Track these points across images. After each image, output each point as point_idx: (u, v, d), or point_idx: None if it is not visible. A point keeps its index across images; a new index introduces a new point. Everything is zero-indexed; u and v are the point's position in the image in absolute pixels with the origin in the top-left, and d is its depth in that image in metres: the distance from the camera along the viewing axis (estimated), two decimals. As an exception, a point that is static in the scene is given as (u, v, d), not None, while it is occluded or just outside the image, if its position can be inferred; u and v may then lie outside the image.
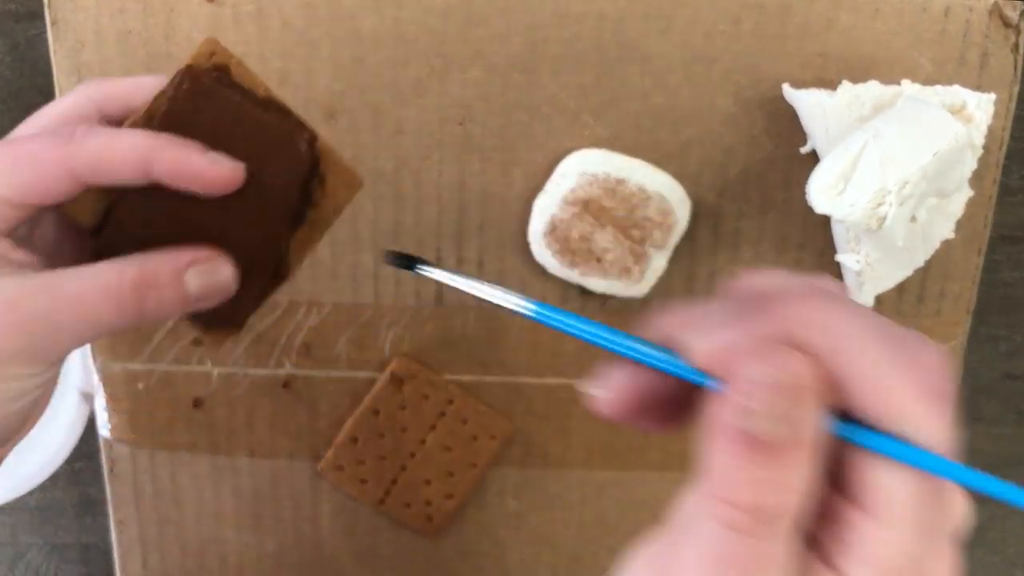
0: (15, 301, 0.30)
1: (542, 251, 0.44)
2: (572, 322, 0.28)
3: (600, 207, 0.42)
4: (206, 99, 0.31)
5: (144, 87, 0.32)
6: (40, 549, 0.56)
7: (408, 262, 0.30)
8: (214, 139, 0.31)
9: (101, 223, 0.32)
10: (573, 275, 0.44)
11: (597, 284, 0.44)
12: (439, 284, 0.45)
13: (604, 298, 0.46)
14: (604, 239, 0.43)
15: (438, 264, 0.30)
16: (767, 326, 0.22)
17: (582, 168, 0.42)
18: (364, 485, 0.48)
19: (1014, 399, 0.55)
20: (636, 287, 0.44)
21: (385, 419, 0.47)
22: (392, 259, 0.31)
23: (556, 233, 0.43)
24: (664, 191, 0.43)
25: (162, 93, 0.31)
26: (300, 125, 0.32)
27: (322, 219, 0.34)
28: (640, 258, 0.43)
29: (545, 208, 0.43)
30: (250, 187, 0.31)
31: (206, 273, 0.32)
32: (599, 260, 0.43)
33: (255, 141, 0.31)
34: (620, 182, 0.42)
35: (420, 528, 0.49)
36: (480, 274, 0.45)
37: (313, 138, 0.32)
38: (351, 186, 0.34)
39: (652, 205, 0.42)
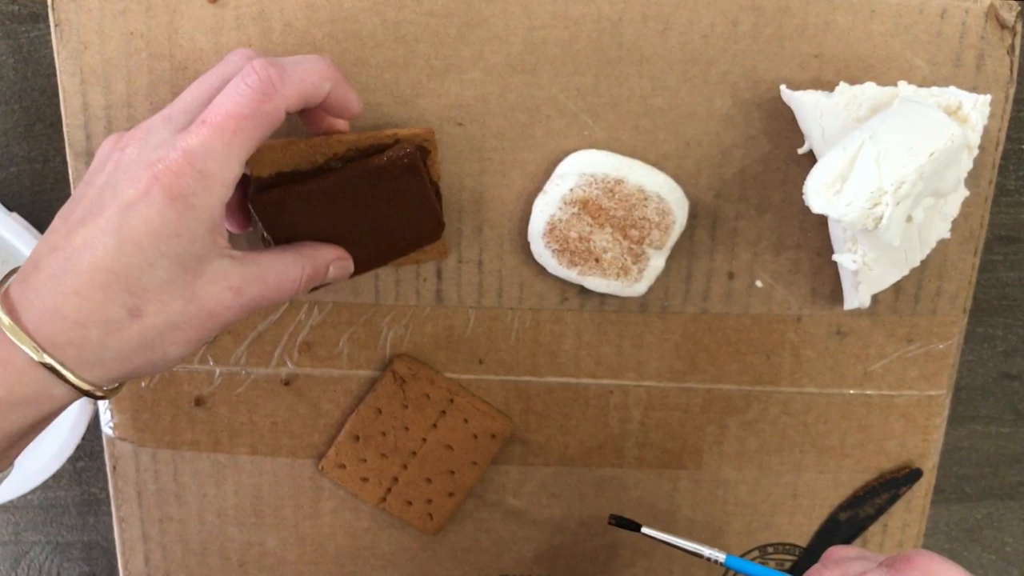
0: (241, 288, 0.36)
1: (542, 251, 0.44)
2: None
3: (599, 207, 0.43)
4: (411, 173, 0.40)
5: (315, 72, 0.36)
6: (43, 547, 0.56)
7: (632, 524, 0.43)
8: (395, 195, 0.40)
9: (269, 183, 0.39)
10: (572, 275, 0.44)
11: (596, 283, 0.44)
12: (439, 284, 0.46)
13: (603, 298, 0.46)
14: (603, 239, 0.43)
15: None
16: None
17: (581, 168, 0.43)
18: (365, 483, 0.48)
19: (1011, 398, 0.55)
20: (634, 287, 0.44)
21: (387, 418, 0.47)
22: (617, 522, 0.43)
23: (555, 233, 0.43)
24: (663, 191, 0.43)
25: (380, 152, 0.40)
26: (440, 215, 0.42)
27: (401, 260, 0.44)
28: (638, 258, 0.43)
29: (544, 208, 0.43)
30: (388, 232, 0.41)
31: (341, 268, 0.41)
32: (598, 260, 0.43)
33: (414, 210, 0.41)
34: (619, 182, 0.43)
35: (421, 526, 0.49)
36: (479, 274, 0.46)
37: (442, 226, 0.43)
38: (439, 254, 0.44)
39: (651, 205, 0.42)
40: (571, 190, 0.43)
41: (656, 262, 0.44)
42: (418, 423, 0.48)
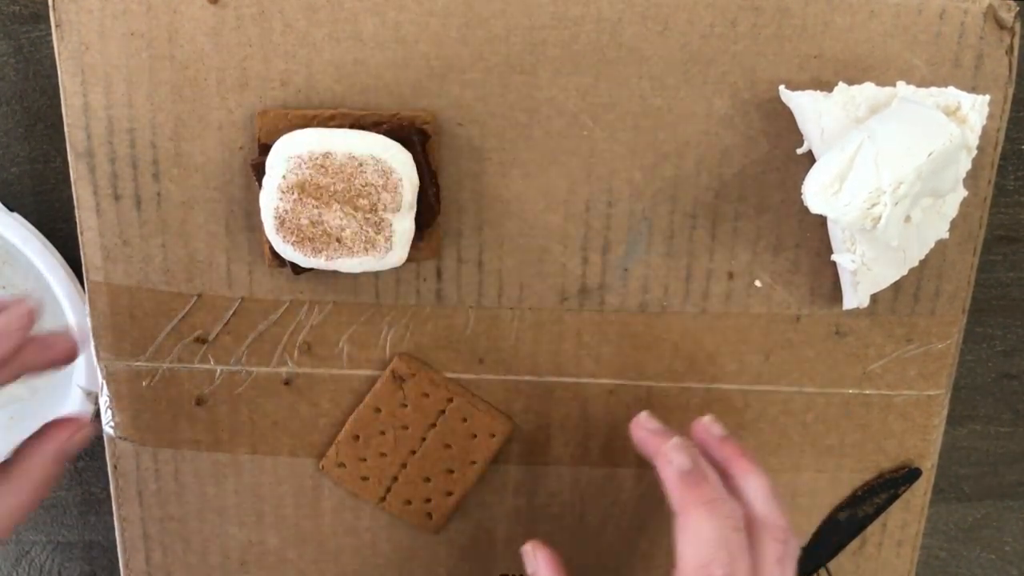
0: None
1: (282, 247, 0.42)
2: None
3: (317, 186, 0.41)
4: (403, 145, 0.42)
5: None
6: (44, 547, 0.56)
7: None
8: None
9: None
10: (321, 262, 0.42)
11: (348, 264, 0.42)
12: (439, 283, 0.46)
13: (602, 298, 0.46)
14: (334, 218, 0.41)
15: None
16: None
17: (286, 152, 0.41)
18: (365, 482, 0.48)
19: (1010, 398, 0.55)
20: (389, 257, 0.42)
21: (386, 416, 0.47)
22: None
23: (287, 226, 0.41)
24: (375, 152, 0.41)
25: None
26: (435, 201, 0.43)
27: None
28: (379, 226, 0.41)
29: (267, 204, 0.41)
30: None
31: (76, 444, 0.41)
32: (339, 240, 0.42)
33: None
34: (327, 155, 0.41)
35: (420, 525, 0.49)
36: (479, 274, 0.46)
37: (436, 212, 0.44)
38: (431, 253, 0.45)
39: (368, 169, 0.41)
40: (284, 177, 0.41)
41: (401, 225, 0.42)
42: (417, 422, 0.48)
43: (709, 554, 0.38)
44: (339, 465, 0.48)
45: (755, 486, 0.41)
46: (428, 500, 0.49)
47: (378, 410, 0.48)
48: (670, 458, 0.40)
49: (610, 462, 0.49)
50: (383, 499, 0.49)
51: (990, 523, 0.58)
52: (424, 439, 0.48)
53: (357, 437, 0.48)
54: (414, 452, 0.48)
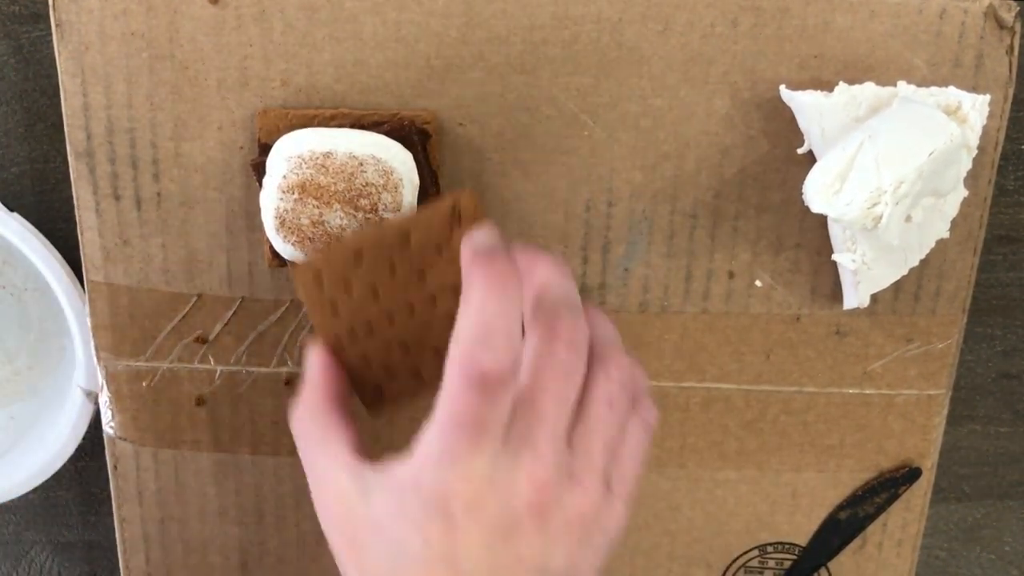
0: None
1: (283, 247, 0.42)
2: None
3: (318, 186, 0.40)
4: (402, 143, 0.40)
5: None
6: (43, 547, 0.56)
7: None
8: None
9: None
10: None
11: None
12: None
13: (602, 297, 0.46)
14: (335, 217, 0.41)
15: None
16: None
17: (287, 152, 0.41)
18: (331, 315, 0.38)
19: (1010, 398, 0.55)
20: None
21: (416, 249, 0.37)
22: None
23: (287, 226, 0.41)
24: (376, 152, 0.40)
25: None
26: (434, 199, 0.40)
27: None
28: None
29: (267, 204, 0.41)
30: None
31: None
32: (340, 241, 0.41)
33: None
34: (327, 155, 0.40)
35: (361, 395, 0.39)
36: (480, 273, 0.46)
37: None
38: None
39: (368, 169, 0.40)
40: (284, 177, 0.41)
41: None
42: (434, 278, 0.37)
43: (481, 336, 0.31)
44: (316, 277, 0.37)
45: (600, 322, 0.35)
46: (387, 368, 0.38)
47: (407, 239, 0.37)
48: (473, 239, 0.34)
49: (610, 462, 0.49)
50: (338, 341, 0.38)
51: (990, 523, 0.58)
52: (427, 301, 0.37)
53: (360, 255, 0.37)
54: (412, 309, 0.37)
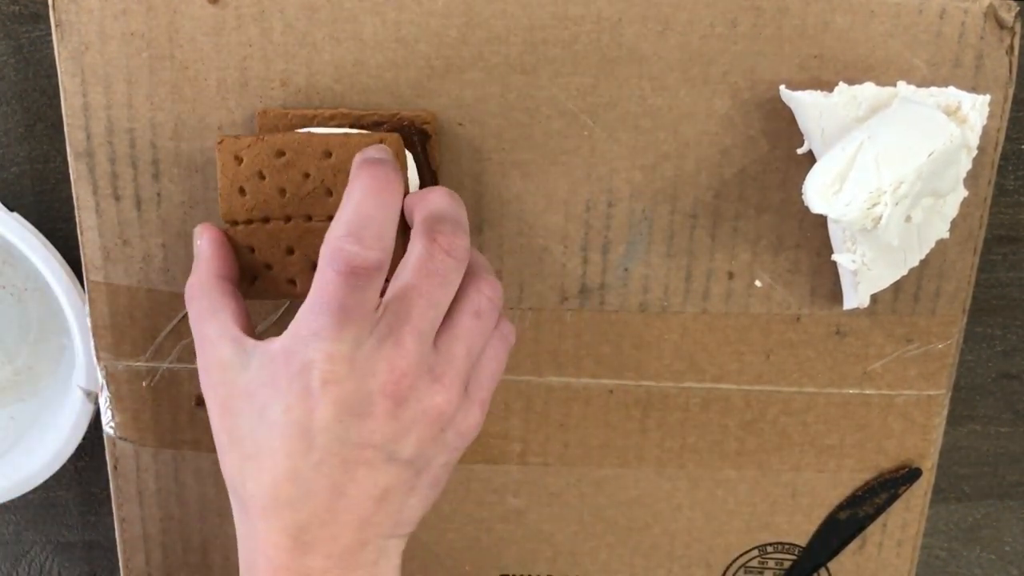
0: None
1: None
2: None
3: None
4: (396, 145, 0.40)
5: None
6: (43, 547, 0.56)
7: None
8: None
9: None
10: None
11: None
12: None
13: (603, 297, 0.46)
14: None
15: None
16: None
17: None
18: (239, 194, 0.40)
19: (1010, 398, 0.55)
20: None
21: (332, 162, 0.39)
22: None
23: None
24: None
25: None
26: None
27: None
28: None
29: None
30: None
31: None
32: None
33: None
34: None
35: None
36: (480, 273, 0.46)
37: None
38: None
39: None
40: None
41: None
42: (339, 198, 0.37)
43: (354, 230, 0.34)
44: (236, 156, 0.39)
45: (479, 254, 0.39)
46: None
47: (328, 154, 0.39)
48: (365, 151, 0.37)
49: (611, 463, 0.49)
50: (236, 225, 0.40)
51: (990, 523, 0.58)
52: (331, 222, 0.36)
53: (283, 153, 0.39)
54: (309, 221, 0.40)
